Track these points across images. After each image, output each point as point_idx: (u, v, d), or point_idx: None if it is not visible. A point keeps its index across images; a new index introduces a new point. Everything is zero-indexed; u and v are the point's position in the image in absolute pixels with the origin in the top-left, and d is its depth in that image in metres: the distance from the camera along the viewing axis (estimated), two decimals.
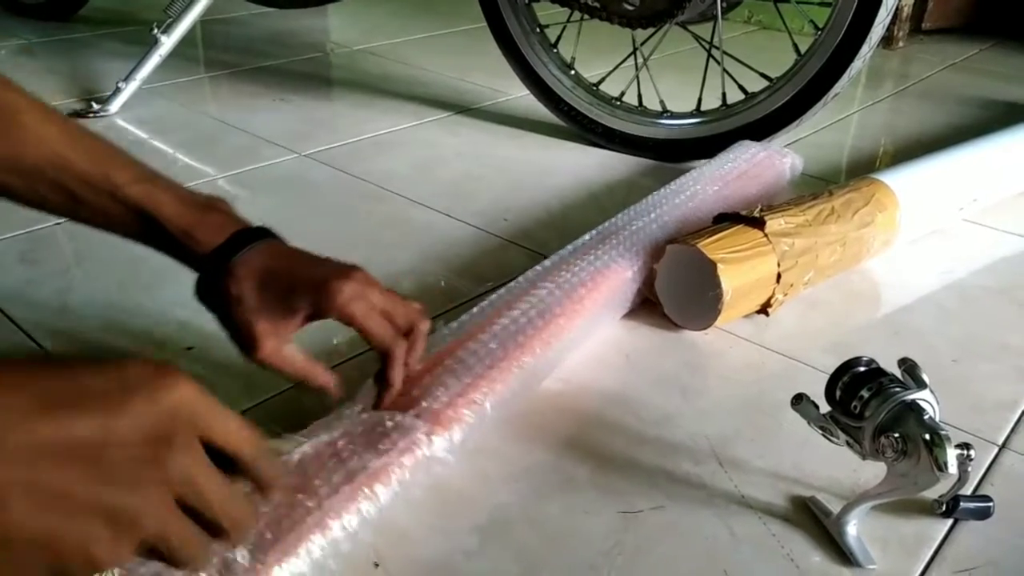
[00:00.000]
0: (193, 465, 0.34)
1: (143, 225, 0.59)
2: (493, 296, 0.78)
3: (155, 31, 1.42)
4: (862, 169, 1.27)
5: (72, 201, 0.58)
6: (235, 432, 0.37)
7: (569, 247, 0.88)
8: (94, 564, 0.32)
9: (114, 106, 1.39)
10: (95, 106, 1.39)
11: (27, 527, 0.30)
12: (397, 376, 0.62)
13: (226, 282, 0.58)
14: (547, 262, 0.85)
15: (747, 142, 1.15)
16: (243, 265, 0.58)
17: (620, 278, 0.84)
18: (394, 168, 1.24)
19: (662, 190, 1.01)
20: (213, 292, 0.59)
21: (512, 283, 0.81)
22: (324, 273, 0.58)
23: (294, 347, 0.60)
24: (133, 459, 0.32)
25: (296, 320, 0.58)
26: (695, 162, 1.11)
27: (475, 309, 0.76)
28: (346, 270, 0.59)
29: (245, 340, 0.58)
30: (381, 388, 0.62)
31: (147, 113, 1.41)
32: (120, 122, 1.37)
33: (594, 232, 0.91)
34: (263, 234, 0.60)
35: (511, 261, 0.99)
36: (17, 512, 0.30)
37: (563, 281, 0.79)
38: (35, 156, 0.57)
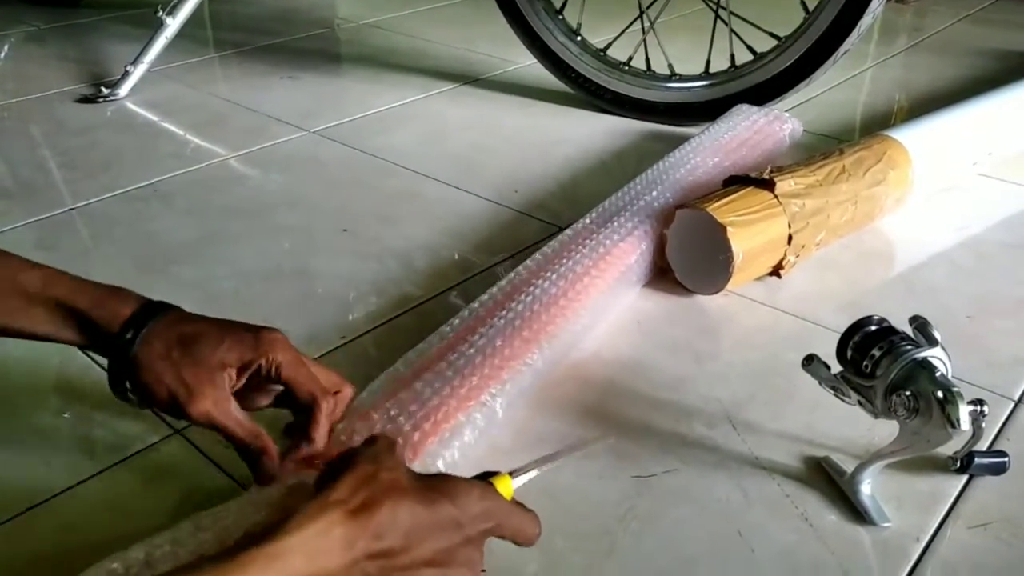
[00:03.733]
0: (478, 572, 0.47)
1: (48, 313, 0.56)
2: (494, 289, 0.77)
3: (160, 13, 1.41)
4: (876, 127, 1.25)
5: None
6: (517, 531, 0.49)
7: (578, 225, 0.87)
8: None
9: (123, 90, 1.39)
10: (104, 90, 1.39)
11: None
12: (321, 432, 0.57)
13: (145, 349, 0.54)
14: (555, 243, 0.84)
15: (745, 106, 1.14)
16: (160, 327, 0.55)
17: (628, 264, 0.83)
18: (403, 142, 1.24)
19: (664, 161, 1.00)
20: (130, 366, 0.55)
21: (513, 275, 0.79)
22: (250, 326, 0.57)
23: (236, 407, 0.56)
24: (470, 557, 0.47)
25: (227, 374, 0.55)
26: (702, 126, 1.10)
27: (477, 303, 0.75)
28: (269, 328, 0.57)
29: (180, 396, 0.54)
30: (299, 441, 0.57)
31: (156, 96, 1.41)
32: (130, 105, 1.38)
33: (599, 210, 0.90)
34: (168, 306, 0.58)
35: (523, 232, 0.99)
36: None
37: (568, 269, 0.78)
38: None
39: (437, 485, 0.47)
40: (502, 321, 0.71)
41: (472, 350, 0.68)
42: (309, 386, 0.57)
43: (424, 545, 0.44)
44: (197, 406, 0.54)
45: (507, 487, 0.52)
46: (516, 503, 0.50)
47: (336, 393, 0.60)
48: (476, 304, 0.75)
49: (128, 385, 0.56)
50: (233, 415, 0.55)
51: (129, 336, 0.54)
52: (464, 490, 0.47)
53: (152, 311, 0.56)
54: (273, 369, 0.55)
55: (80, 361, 0.76)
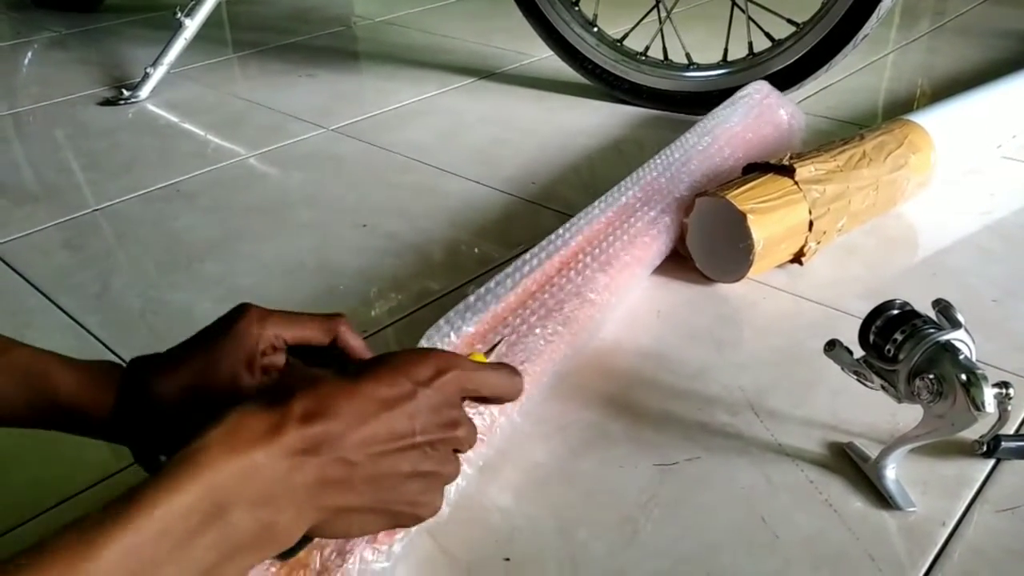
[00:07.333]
0: (468, 431, 0.45)
1: (32, 393, 0.50)
2: (509, 278, 0.76)
3: (179, 15, 1.43)
4: (898, 112, 1.23)
5: None
6: (493, 385, 0.46)
7: (590, 211, 0.86)
8: (419, 520, 0.44)
9: (144, 92, 1.41)
10: (125, 93, 1.41)
11: (368, 501, 0.41)
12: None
13: (159, 384, 0.50)
14: (570, 227, 0.83)
15: (753, 88, 1.13)
16: (152, 376, 0.51)
17: (656, 250, 0.85)
18: (421, 137, 1.25)
19: (681, 144, 0.99)
20: (152, 411, 0.50)
21: (537, 251, 0.79)
22: (218, 330, 0.54)
23: None
24: (435, 442, 0.43)
25: (244, 377, 0.52)
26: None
27: (493, 285, 0.75)
28: (239, 313, 0.55)
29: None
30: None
31: (176, 97, 1.43)
32: (150, 107, 1.39)
33: (609, 196, 0.89)
34: (139, 361, 0.53)
35: (542, 224, 0.99)
36: (360, 492, 0.40)
37: (592, 259, 0.78)
38: None
39: (375, 364, 0.42)
40: (547, 295, 0.73)
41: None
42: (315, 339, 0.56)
43: (374, 425, 0.40)
44: None
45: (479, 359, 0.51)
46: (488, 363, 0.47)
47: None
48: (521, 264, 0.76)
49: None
50: None
51: (135, 387, 0.51)
52: (407, 357, 0.43)
53: (131, 369, 0.52)
54: (274, 346, 0.55)
55: None
